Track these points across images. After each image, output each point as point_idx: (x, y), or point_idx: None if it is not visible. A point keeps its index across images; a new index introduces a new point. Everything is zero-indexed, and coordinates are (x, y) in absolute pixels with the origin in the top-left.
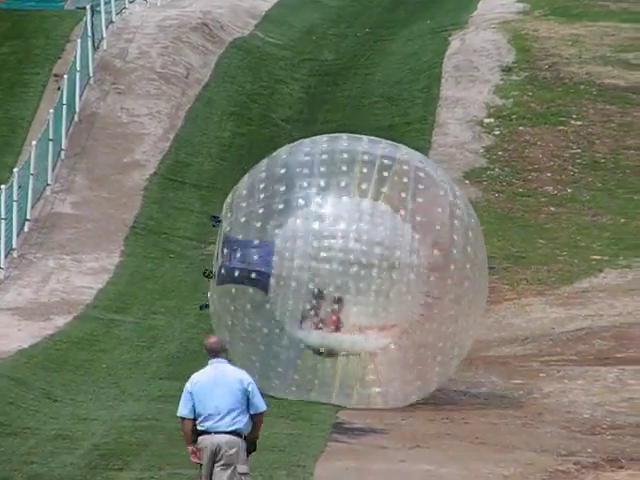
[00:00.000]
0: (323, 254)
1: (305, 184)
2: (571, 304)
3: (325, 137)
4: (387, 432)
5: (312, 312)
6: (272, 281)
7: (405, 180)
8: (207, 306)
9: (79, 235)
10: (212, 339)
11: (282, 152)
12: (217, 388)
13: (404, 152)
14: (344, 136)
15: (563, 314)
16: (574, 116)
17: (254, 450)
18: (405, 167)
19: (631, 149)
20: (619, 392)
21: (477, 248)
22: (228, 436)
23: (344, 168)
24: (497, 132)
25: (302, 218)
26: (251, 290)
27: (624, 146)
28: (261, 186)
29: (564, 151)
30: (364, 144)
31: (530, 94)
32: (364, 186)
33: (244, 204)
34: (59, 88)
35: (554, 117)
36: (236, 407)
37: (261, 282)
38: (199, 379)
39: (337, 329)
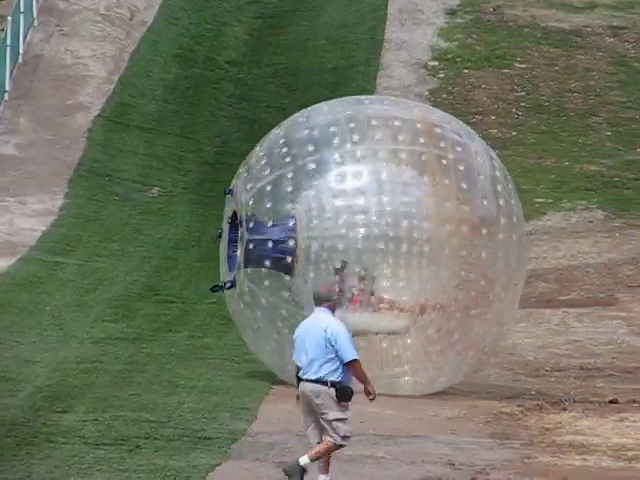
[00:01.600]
0: (348, 228)
1: (336, 146)
2: None
3: (348, 100)
4: None
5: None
6: (294, 259)
7: (443, 145)
8: (221, 288)
9: (23, 177)
10: (321, 287)
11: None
12: (308, 337)
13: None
14: (365, 99)
15: None
16: (518, 59)
17: (344, 398)
18: (439, 130)
19: (575, 92)
20: (562, 335)
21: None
22: (312, 384)
23: (377, 135)
24: (442, 75)
25: (326, 189)
26: (269, 272)
27: (568, 89)
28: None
29: (508, 94)
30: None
31: (475, 37)
32: (402, 155)
33: (260, 173)
34: (2, 29)
35: (498, 60)
36: (320, 356)
37: (284, 262)
38: (300, 326)
39: (359, 308)
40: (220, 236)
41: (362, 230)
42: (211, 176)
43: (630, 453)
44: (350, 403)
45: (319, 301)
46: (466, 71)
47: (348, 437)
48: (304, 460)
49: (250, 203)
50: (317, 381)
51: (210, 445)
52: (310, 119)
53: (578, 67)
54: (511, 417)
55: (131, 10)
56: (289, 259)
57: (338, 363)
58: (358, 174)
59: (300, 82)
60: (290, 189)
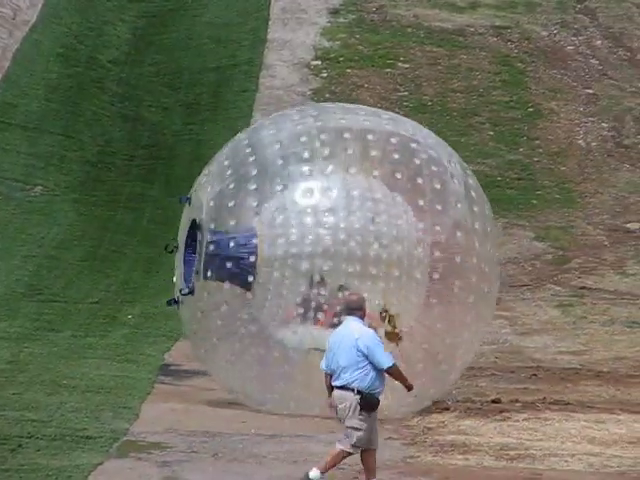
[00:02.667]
0: (318, 242)
1: (305, 159)
2: None
3: (318, 107)
4: None
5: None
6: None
7: (418, 162)
8: (177, 302)
9: None
10: (353, 296)
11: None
12: (340, 345)
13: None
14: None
15: None
16: (402, 59)
17: (367, 408)
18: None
19: (458, 92)
20: None
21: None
22: (340, 391)
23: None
24: (325, 74)
25: (288, 201)
26: (229, 287)
27: (451, 89)
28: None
29: (392, 94)
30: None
31: (357, 36)
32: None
33: (218, 182)
34: None
35: (382, 60)
36: (351, 364)
37: (241, 276)
38: (333, 335)
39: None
40: (173, 251)
41: (329, 248)
42: (94, 175)
43: (512, 452)
44: (372, 414)
45: (350, 310)
46: (349, 71)
47: (358, 446)
48: (314, 475)
49: (212, 215)
50: (344, 387)
51: (92, 444)
52: (278, 127)
53: (461, 67)
54: (395, 418)
55: (14, 9)
56: (249, 276)
57: (368, 371)
58: (327, 190)
59: (183, 81)
60: (255, 203)
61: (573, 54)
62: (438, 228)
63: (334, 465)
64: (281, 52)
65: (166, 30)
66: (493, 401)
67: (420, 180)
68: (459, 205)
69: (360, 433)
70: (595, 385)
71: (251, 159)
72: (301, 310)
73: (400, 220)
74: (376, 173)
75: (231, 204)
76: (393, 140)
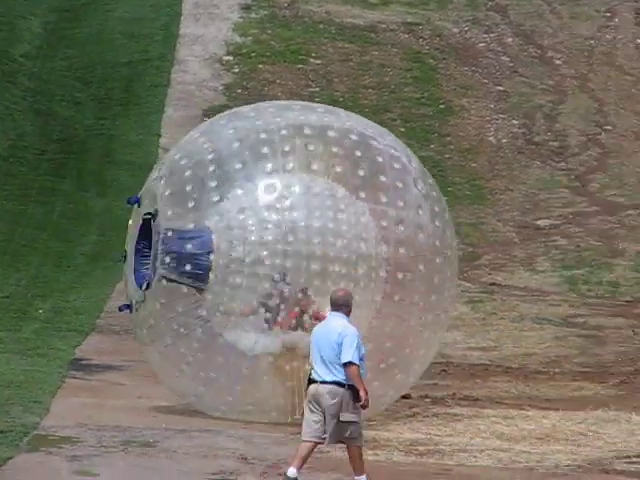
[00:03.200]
0: (277, 241)
1: (265, 155)
2: None
3: (278, 104)
4: (124, 369)
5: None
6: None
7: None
8: (129, 307)
9: None
10: (339, 292)
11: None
12: (323, 341)
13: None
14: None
15: None
16: (313, 54)
17: (359, 402)
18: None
19: (369, 88)
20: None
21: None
22: (329, 386)
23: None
24: (236, 70)
25: (245, 201)
26: (185, 289)
27: (362, 85)
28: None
29: (303, 89)
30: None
31: (269, 32)
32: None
33: (175, 181)
34: None
35: (293, 55)
36: (334, 359)
37: (199, 276)
38: (316, 330)
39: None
40: (123, 260)
41: (287, 246)
42: (5, 169)
43: (421, 448)
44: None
45: (336, 306)
46: (261, 66)
47: (356, 439)
48: (291, 472)
49: (168, 213)
50: (334, 383)
51: (2, 439)
52: (236, 124)
53: (372, 63)
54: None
55: None
56: (205, 275)
57: None
58: (287, 187)
59: (95, 76)
60: (215, 200)
61: (484, 51)
62: (401, 227)
63: (362, 462)
64: (193, 47)
65: (78, 24)
66: (403, 397)
67: (383, 178)
68: (421, 204)
69: (358, 425)
70: (504, 381)
71: (209, 157)
72: (259, 310)
73: (363, 218)
74: (337, 170)
75: (190, 204)
76: (353, 137)
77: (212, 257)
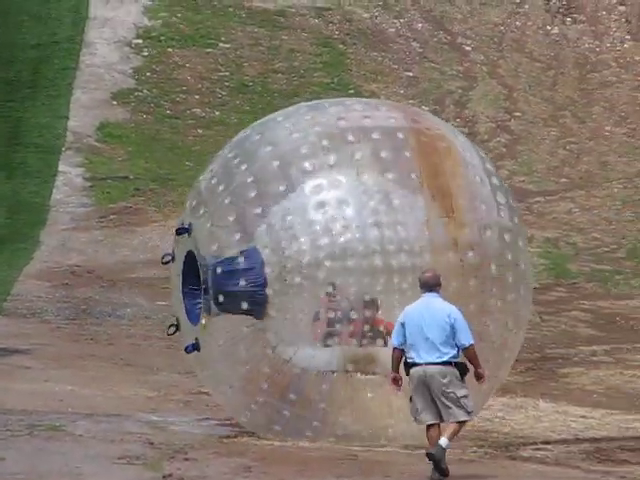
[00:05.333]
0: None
1: (309, 171)
2: None
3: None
4: (31, 352)
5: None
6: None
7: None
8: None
9: None
10: (428, 273)
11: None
12: (430, 321)
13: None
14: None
15: None
16: (223, 39)
17: (464, 375)
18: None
19: (279, 72)
20: None
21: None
22: (438, 367)
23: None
24: (146, 53)
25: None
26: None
27: (272, 69)
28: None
29: (212, 74)
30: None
31: (179, 15)
32: (388, 175)
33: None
34: None
35: (203, 39)
36: (443, 339)
37: (257, 311)
38: (411, 311)
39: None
40: (168, 262)
41: (347, 262)
42: None
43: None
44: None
45: (429, 286)
46: (170, 50)
47: (472, 412)
48: (444, 442)
49: (214, 248)
50: (443, 363)
51: None
52: (272, 139)
53: (282, 48)
54: (210, 397)
55: None
56: (264, 308)
57: (454, 344)
58: (338, 193)
59: (2, 58)
60: (258, 211)
61: (394, 36)
62: (467, 230)
63: (458, 433)
64: (102, 30)
65: None
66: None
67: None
68: (485, 204)
69: (469, 398)
70: None
71: (249, 180)
72: (325, 326)
73: (423, 225)
74: (390, 175)
75: (231, 218)
76: (401, 136)
77: (268, 291)
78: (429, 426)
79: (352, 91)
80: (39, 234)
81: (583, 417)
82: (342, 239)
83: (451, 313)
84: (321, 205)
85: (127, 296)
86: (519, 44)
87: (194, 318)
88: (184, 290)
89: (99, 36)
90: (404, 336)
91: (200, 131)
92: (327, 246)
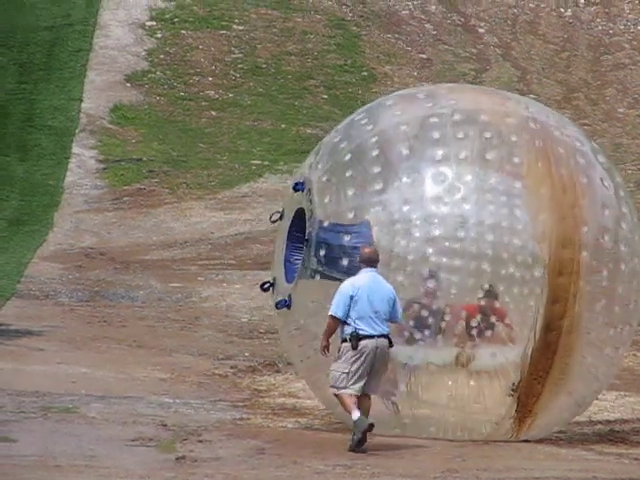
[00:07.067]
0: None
1: (433, 143)
2: (231, 208)
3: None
4: (44, 334)
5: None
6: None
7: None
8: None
9: None
10: (367, 249)
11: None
12: (378, 295)
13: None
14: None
15: (222, 218)
16: (236, 21)
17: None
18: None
19: (292, 55)
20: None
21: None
22: (384, 339)
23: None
24: (159, 35)
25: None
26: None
27: (285, 52)
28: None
29: (226, 55)
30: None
31: None
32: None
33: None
34: None
35: (217, 21)
36: (386, 313)
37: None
38: (361, 285)
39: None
40: (276, 220)
41: (456, 244)
42: None
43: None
44: None
45: (371, 262)
46: (184, 32)
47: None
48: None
49: (325, 201)
50: (387, 336)
51: None
52: (404, 109)
53: (296, 30)
54: (225, 379)
55: None
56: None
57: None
58: (458, 177)
59: (16, 40)
60: (378, 187)
61: (407, 19)
62: (585, 228)
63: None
64: (116, 12)
65: None
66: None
67: (564, 172)
68: (606, 204)
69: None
70: None
71: (373, 140)
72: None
73: (543, 215)
74: (515, 161)
75: (350, 192)
76: (533, 125)
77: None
78: (356, 395)
79: (365, 73)
80: (52, 216)
81: (596, 399)
82: (455, 236)
83: (392, 290)
84: (439, 197)
85: (140, 278)
86: (532, 26)
87: (291, 277)
88: (287, 248)
89: (113, 18)
90: (349, 308)
91: (213, 113)
92: (437, 240)
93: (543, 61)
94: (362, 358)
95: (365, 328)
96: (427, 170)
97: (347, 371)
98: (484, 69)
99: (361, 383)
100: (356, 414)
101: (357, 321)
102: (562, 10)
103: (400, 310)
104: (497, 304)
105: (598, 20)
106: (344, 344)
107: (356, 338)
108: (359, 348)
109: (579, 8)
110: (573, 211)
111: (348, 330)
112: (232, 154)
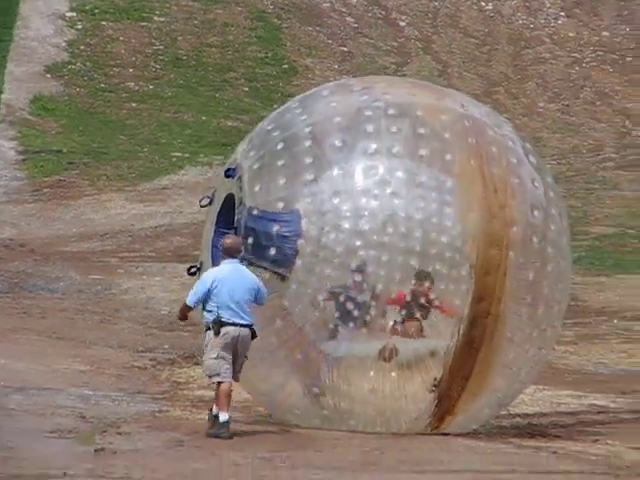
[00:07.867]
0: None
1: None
2: (151, 200)
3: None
4: None
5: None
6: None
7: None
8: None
9: None
10: (229, 239)
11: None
12: (236, 283)
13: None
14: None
15: (143, 210)
16: (157, 12)
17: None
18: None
19: (213, 46)
20: None
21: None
22: (247, 330)
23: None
24: (79, 26)
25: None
26: (267, 275)
27: (206, 43)
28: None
29: (147, 47)
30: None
31: None
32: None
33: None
34: None
35: (137, 13)
36: (248, 302)
37: (284, 262)
38: (221, 275)
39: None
40: (206, 205)
41: (384, 238)
42: None
43: (261, 408)
44: None
45: (232, 252)
46: (104, 23)
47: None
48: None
49: (255, 189)
50: (247, 326)
51: None
52: (337, 99)
53: (216, 22)
54: (144, 371)
55: None
56: (291, 261)
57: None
58: (390, 171)
59: None
60: (309, 178)
61: (329, 11)
62: (514, 229)
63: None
64: (36, 3)
65: None
66: (245, 356)
67: (496, 171)
68: (536, 204)
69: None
70: None
71: (306, 130)
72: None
73: (472, 214)
74: (448, 157)
75: (281, 182)
76: (466, 123)
77: (300, 243)
78: (222, 383)
79: (286, 65)
80: None
81: None
82: (384, 230)
83: (256, 279)
84: (370, 190)
85: (60, 270)
86: (453, 20)
87: (217, 262)
88: (215, 233)
89: (33, 9)
90: (206, 298)
91: (134, 105)
92: (366, 234)
93: (464, 55)
94: (225, 345)
95: (225, 315)
96: (359, 163)
97: (216, 356)
98: (405, 62)
99: (229, 372)
100: (224, 416)
101: (219, 310)
102: (483, 4)
103: (265, 296)
104: (427, 284)
105: (519, 14)
106: (208, 332)
107: (218, 324)
108: (222, 333)
109: (500, 2)
110: (503, 211)
111: (210, 317)
112: (152, 146)
